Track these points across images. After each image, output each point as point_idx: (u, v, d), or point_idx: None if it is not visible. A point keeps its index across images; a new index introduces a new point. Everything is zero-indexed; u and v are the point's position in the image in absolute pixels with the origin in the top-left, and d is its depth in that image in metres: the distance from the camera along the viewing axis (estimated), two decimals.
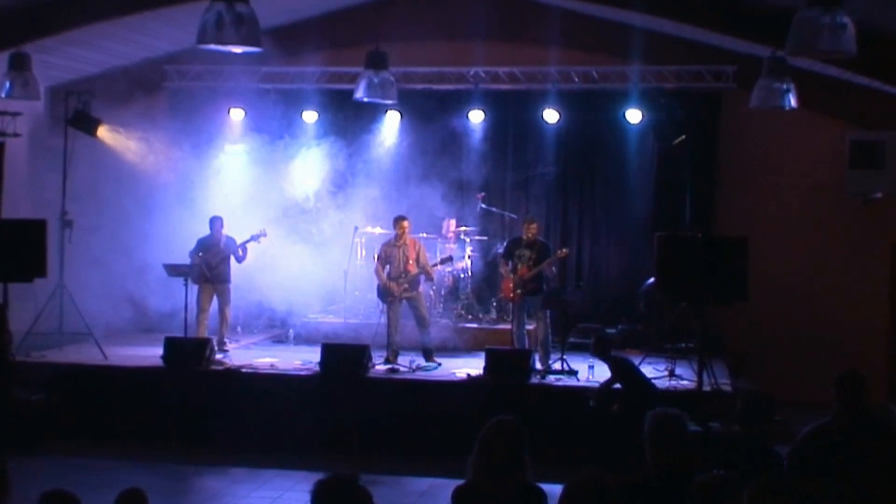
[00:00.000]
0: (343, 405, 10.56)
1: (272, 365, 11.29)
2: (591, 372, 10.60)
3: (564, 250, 11.95)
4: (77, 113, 12.67)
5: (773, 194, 13.33)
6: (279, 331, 13.50)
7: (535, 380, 10.69)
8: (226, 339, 12.21)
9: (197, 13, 7.17)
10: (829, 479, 5.01)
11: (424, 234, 12.84)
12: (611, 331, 12.44)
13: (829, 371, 5.66)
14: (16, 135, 12.28)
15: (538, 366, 10.99)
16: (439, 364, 11.51)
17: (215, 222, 12.15)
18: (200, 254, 12.00)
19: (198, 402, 10.74)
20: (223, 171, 13.52)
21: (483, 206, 13.53)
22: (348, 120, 13.90)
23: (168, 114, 14.02)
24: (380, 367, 11.14)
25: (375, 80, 10.99)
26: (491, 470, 4.44)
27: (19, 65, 11.19)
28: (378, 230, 13.09)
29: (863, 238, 13.08)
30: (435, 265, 12.04)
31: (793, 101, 10.46)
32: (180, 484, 9.46)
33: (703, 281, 9.83)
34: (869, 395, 5.44)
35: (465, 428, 5.65)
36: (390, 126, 13.78)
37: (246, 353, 12.10)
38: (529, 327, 11.77)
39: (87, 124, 12.77)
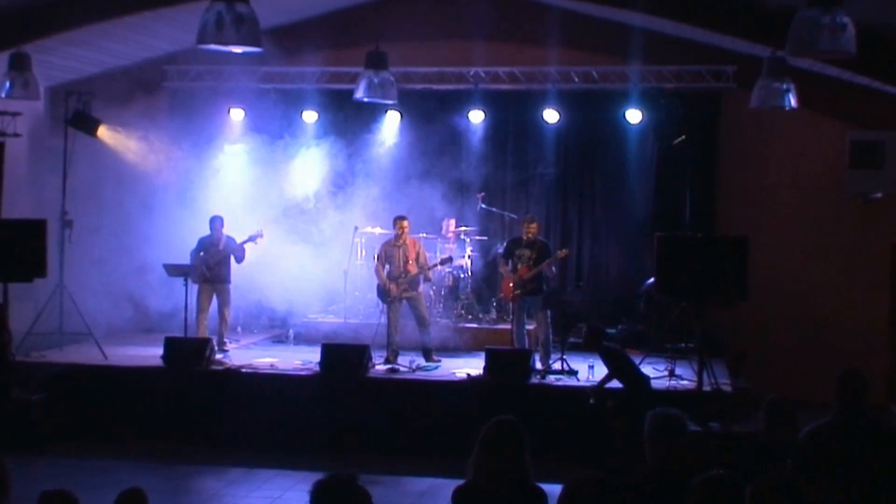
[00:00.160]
0: (343, 405, 10.55)
1: (272, 365, 11.29)
2: (591, 372, 10.59)
3: (564, 250, 11.96)
4: (77, 113, 12.67)
5: (773, 194, 13.31)
6: (279, 331, 13.50)
7: (535, 380, 10.69)
8: (226, 339, 12.21)
9: (197, 13, 7.17)
10: (829, 478, 5.01)
11: (424, 234, 12.84)
12: (611, 331, 12.42)
13: (829, 371, 5.66)
14: (16, 135, 12.26)
15: (538, 366, 10.99)
16: (439, 364, 11.51)
17: (215, 222, 12.15)
18: (201, 253, 12.01)
19: (198, 402, 10.74)
20: (223, 170, 13.51)
21: (483, 205, 13.52)
22: (348, 120, 13.90)
23: (168, 114, 14.00)
24: (380, 367, 11.13)
25: (375, 80, 10.97)
26: (491, 470, 4.43)
27: (19, 65, 11.17)
28: (378, 230, 13.07)
29: (863, 238, 13.05)
30: (435, 265, 12.05)
31: (793, 101, 10.45)
32: (180, 484, 9.45)
33: (703, 281, 9.84)
34: (869, 395, 5.44)
35: (465, 428, 5.66)
36: (390, 126, 13.76)
37: (246, 353, 12.09)
38: (529, 327, 11.77)
39: (87, 124, 12.77)
